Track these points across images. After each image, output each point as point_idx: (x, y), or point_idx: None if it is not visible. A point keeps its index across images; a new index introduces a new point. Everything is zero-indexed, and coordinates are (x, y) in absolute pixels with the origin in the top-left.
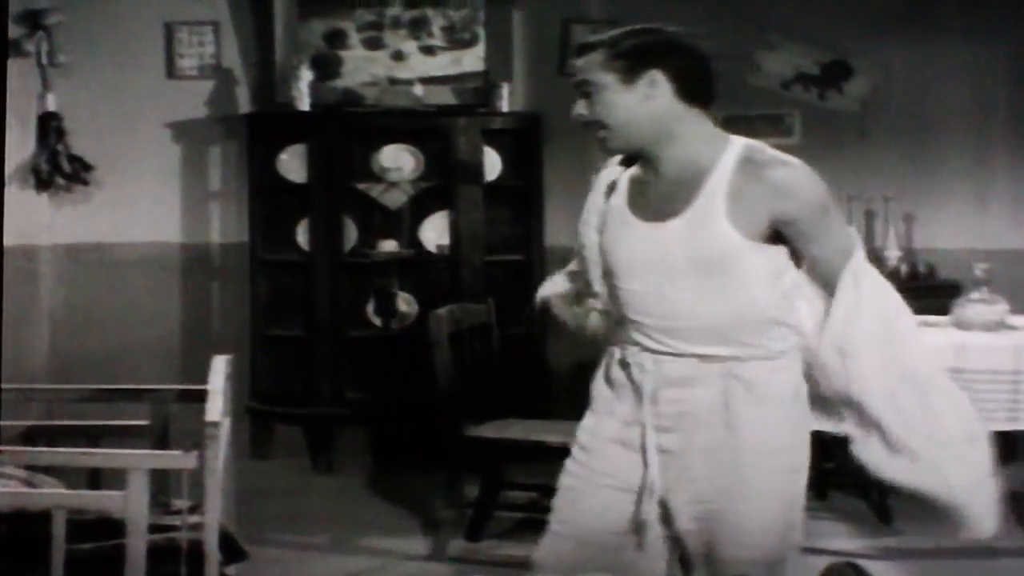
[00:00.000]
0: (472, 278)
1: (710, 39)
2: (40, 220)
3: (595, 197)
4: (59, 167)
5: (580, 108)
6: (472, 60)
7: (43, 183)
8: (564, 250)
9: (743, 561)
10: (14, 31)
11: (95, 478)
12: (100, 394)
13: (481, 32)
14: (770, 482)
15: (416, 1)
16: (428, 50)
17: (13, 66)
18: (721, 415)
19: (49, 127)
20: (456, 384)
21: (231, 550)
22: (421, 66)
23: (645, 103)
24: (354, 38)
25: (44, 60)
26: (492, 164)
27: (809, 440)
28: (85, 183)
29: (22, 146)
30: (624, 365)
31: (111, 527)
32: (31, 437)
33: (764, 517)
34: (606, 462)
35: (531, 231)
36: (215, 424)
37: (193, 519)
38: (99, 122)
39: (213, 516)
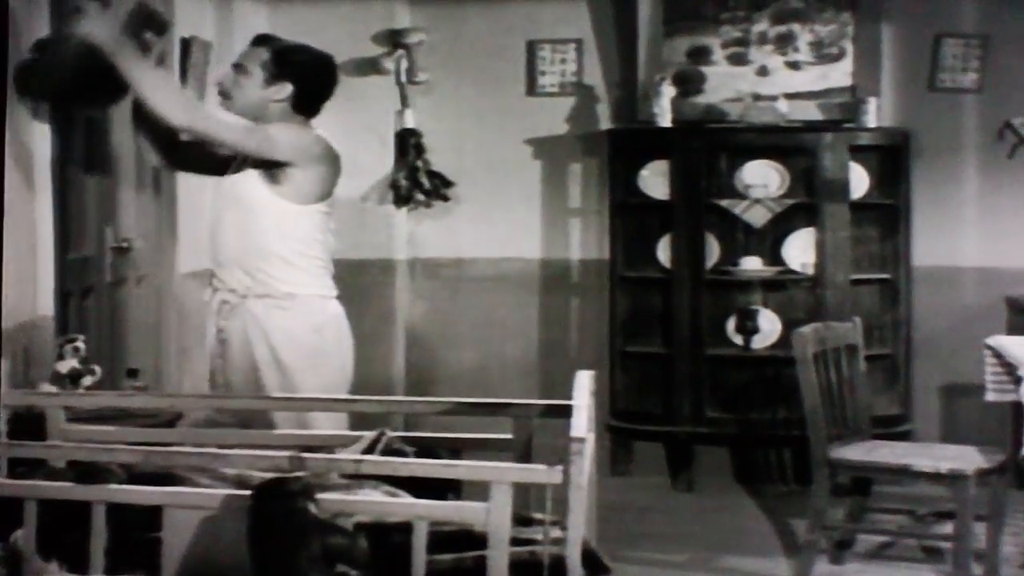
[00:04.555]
0: (837, 297)
1: None
2: (398, 235)
3: None
4: (418, 183)
5: None
6: (839, 75)
7: (402, 198)
8: (932, 269)
9: None
10: (373, 50)
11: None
12: (462, 408)
13: (849, 47)
14: None
15: (782, 17)
16: (794, 65)
17: (372, 83)
18: None
19: (408, 143)
20: (821, 405)
21: (594, 565)
22: (786, 81)
23: None
24: (718, 54)
25: (403, 78)
26: (858, 181)
27: None
28: (445, 199)
29: (381, 162)
30: None
31: (471, 540)
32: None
33: None
34: None
35: (898, 250)
36: (580, 440)
37: (555, 533)
38: (459, 139)
39: (576, 531)
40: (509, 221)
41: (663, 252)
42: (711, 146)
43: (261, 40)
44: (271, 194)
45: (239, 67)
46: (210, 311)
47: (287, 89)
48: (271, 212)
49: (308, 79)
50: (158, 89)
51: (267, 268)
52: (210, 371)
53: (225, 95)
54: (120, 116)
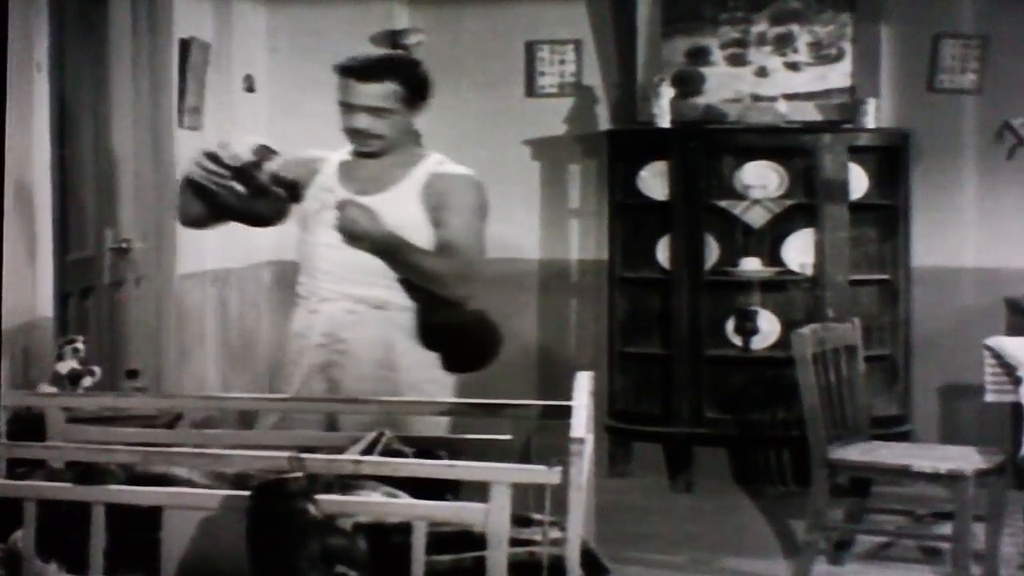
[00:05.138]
0: (836, 298)
1: None
2: None
3: None
4: None
5: None
6: (838, 76)
7: None
8: (931, 270)
9: None
10: (372, 51)
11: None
12: (460, 408)
13: (848, 48)
14: None
15: (781, 17)
16: (793, 66)
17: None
18: None
19: None
20: (820, 405)
21: (593, 566)
22: (785, 82)
23: None
24: (717, 55)
25: None
26: (857, 182)
27: None
28: None
29: None
30: None
31: (470, 540)
32: (387, 452)
33: None
34: None
35: (897, 251)
36: (580, 440)
37: (554, 534)
38: (459, 139)
39: (575, 532)
40: (508, 222)
41: (662, 253)
42: (710, 147)
43: (369, 74)
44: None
45: (375, 110)
46: (311, 322)
47: (421, 101)
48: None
49: (416, 80)
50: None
51: (386, 282)
52: (302, 381)
53: (369, 141)
54: (120, 115)
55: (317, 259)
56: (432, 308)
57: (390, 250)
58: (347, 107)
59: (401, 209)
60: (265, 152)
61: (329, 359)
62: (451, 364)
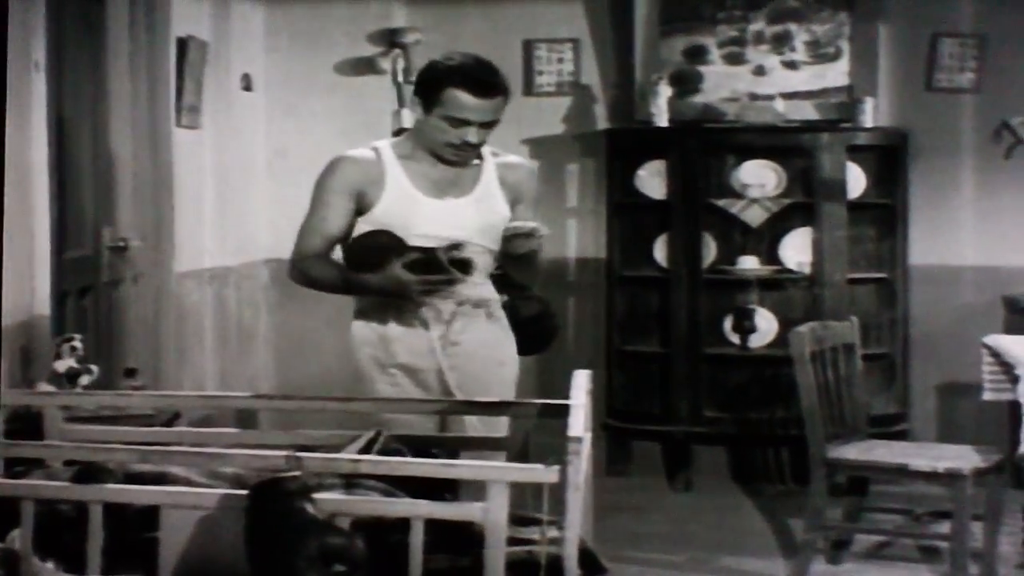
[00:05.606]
0: (833, 296)
1: None
2: None
3: None
4: None
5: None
6: (836, 75)
7: None
8: (929, 269)
9: None
10: (370, 50)
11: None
12: (458, 407)
13: (846, 46)
14: None
15: (779, 16)
16: (791, 65)
17: (369, 83)
18: None
19: None
20: (818, 404)
21: (591, 566)
22: (783, 81)
23: None
24: (715, 53)
25: (400, 78)
26: (855, 181)
27: None
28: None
29: None
30: None
31: (468, 540)
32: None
33: None
34: None
35: (895, 250)
36: (578, 439)
37: (552, 533)
38: None
39: (573, 531)
40: None
41: (660, 251)
42: (708, 146)
43: (487, 90)
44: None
45: (490, 124)
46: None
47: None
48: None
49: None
50: None
51: (480, 280)
52: (419, 380)
53: (470, 153)
54: (118, 114)
55: None
56: (517, 299)
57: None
58: (458, 122)
59: (490, 208)
60: (458, 248)
61: (448, 362)
62: (525, 349)
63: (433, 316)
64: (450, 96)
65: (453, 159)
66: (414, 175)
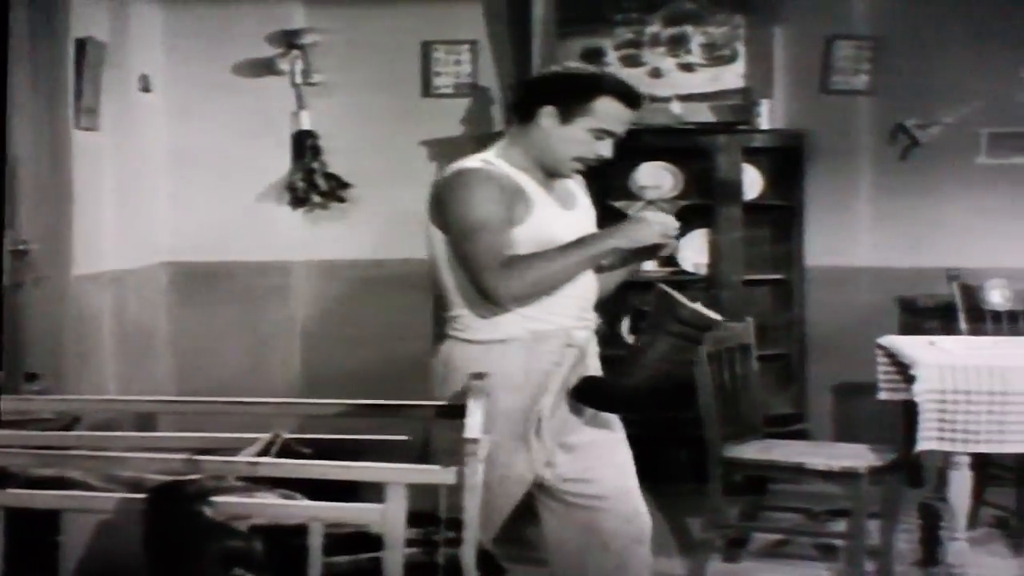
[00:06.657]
0: (730, 298)
1: None
2: (295, 237)
3: None
4: (315, 185)
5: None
6: (732, 77)
7: (298, 200)
8: (826, 270)
9: None
10: (269, 51)
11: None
12: (358, 410)
13: (742, 48)
14: None
15: (675, 19)
16: (687, 67)
17: (267, 85)
18: None
19: (304, 145)
20: (716, 404)
21: (489, 567)
22: (679, 83)
23: None
24: (611, 56)
25: (299, 79)
26: (752, 182)
27: None
28: (341, 200)
29: (277, 164)
30: None
31: (367, 542)
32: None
33: None
34: None
35: (792, 250)
36: (474, 441)
37: (449, 535)
38: (355, 140)
39: (471, 533)
40: (405, 222)
41: None
42: None
43: (638, 102)
44: None
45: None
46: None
47: None
48: None
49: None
50: None
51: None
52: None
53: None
54: (17, 116)
55: (566, 288)
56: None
57: None
58: (605, 134)
59: (590, 219)
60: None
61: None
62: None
63: (576, 341)
64: (603, 106)
65: (569, 174)
66: (541, 187)
